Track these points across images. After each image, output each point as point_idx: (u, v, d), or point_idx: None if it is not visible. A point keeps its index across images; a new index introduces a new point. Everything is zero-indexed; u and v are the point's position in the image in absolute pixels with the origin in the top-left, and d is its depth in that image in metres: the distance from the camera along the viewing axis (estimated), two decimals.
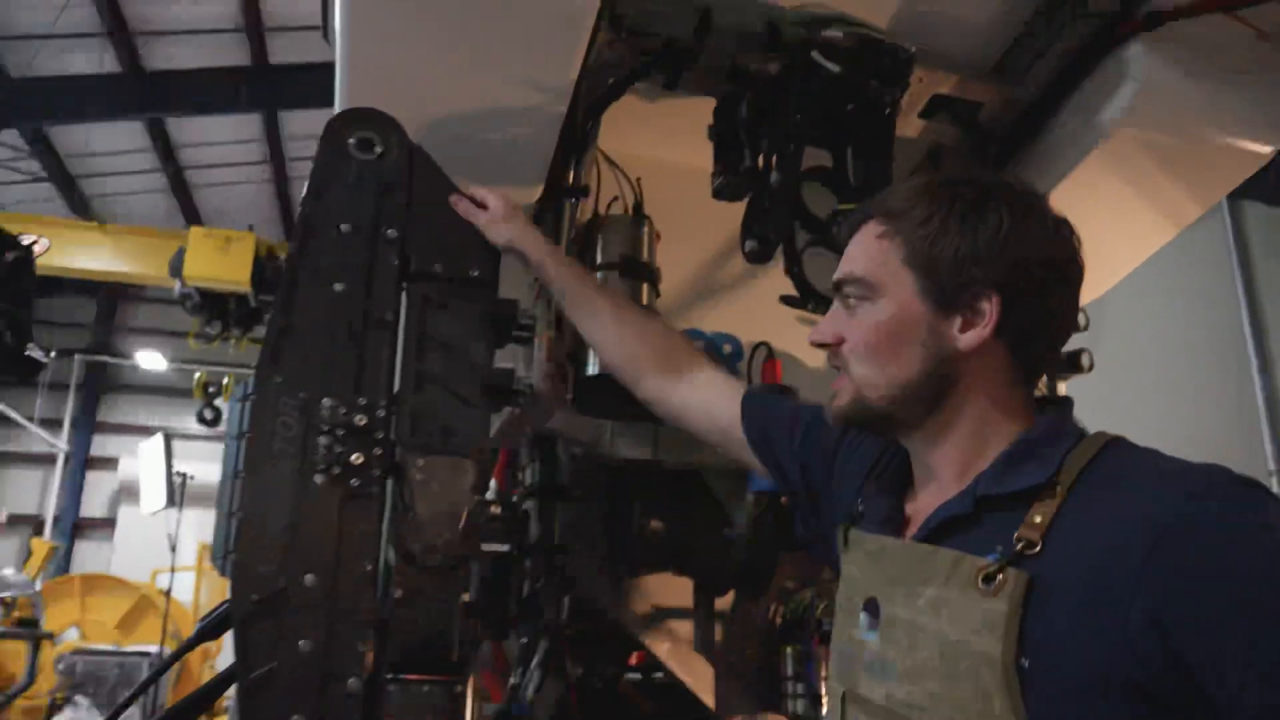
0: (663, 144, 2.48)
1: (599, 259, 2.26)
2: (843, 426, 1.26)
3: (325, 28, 2.32)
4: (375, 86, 1.85)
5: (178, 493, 5.50)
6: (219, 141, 12.17)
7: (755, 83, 2.13)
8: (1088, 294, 2.96)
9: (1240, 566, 0.88)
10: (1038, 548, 0.97)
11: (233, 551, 1.38)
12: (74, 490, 14.76)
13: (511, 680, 2.04)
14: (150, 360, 14.06)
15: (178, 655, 1.63)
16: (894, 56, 2.03)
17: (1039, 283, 1.12)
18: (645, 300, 2.22)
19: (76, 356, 14.77)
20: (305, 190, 1.56)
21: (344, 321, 1.52)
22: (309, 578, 1.39)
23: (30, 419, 13.73)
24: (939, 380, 1.13)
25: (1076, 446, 1.04)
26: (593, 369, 2.21)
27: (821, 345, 1.23)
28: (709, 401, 1.59)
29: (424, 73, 1.84)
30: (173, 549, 5.44)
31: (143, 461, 5.82)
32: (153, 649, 6.97)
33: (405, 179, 1.62)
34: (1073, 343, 2.87)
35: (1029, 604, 0.95)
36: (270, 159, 12.72)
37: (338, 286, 1.52)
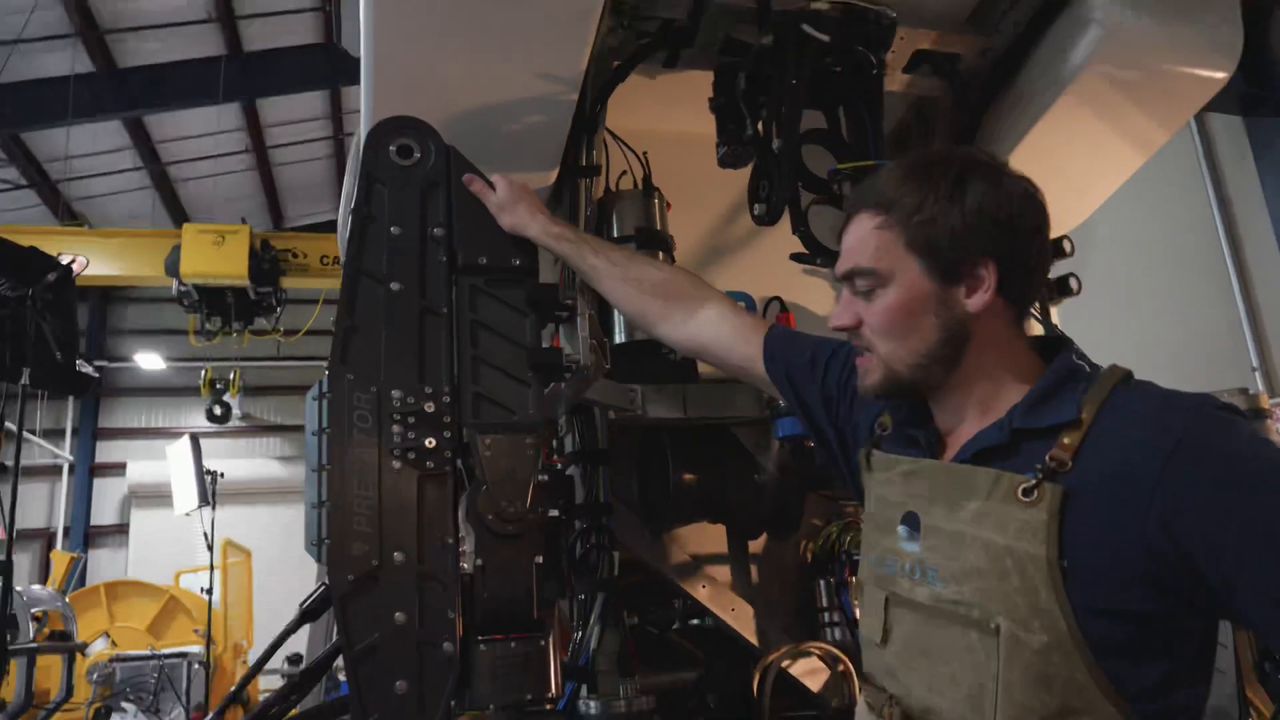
0: (665, 116, 2.58)
1: (615, 233, 2.37)
2: (878, 396, 1.37)
3: (333, 31, 2.39)
4: (400, 87, 1.95)
5: (209, 491, 5.59)
6: (199, 134, 12.06)
7: (750, 55, 2.22)
8: (1072, 222, 3.11)
9: (1230, 478, 1.08)
10: (1069, 467, 1.13)
11: (326, 539, 1.50)
12: (82, 499, 14.76)
13: (575, 636, 2.17)
14: (149, 361, 14.04)
15: (280, 641, 1.75)
16: (878, 23, 2.14)
17: (1023, 238, 1.27)
18: None
19: None
20: (354, 199, 1.66)
21: (403, 317, 1.63)
22: (397, 555, 1.52)
23: (32, 432, 13.73)
24: (955, 342, 1.28)
25: (1094, 385, 1.20)
26: (620, 337, 2.33)
27: (843, 329, 1.36)
28: (723, 341, 1.72)
29: (446, 72, 1.93)
30: (210, 548, 5.55)
31: (171, 463, 5.91)
32: (192, 649, 7.12)
33: (444, 179, 1.72)
34: (1060, 268, 3.03)
35: (1065, 512, 1.11)
36: (252, 147, 12.64)
37: (394, 286, 1.64)
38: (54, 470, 14.70)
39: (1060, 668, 1.10)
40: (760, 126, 2.21)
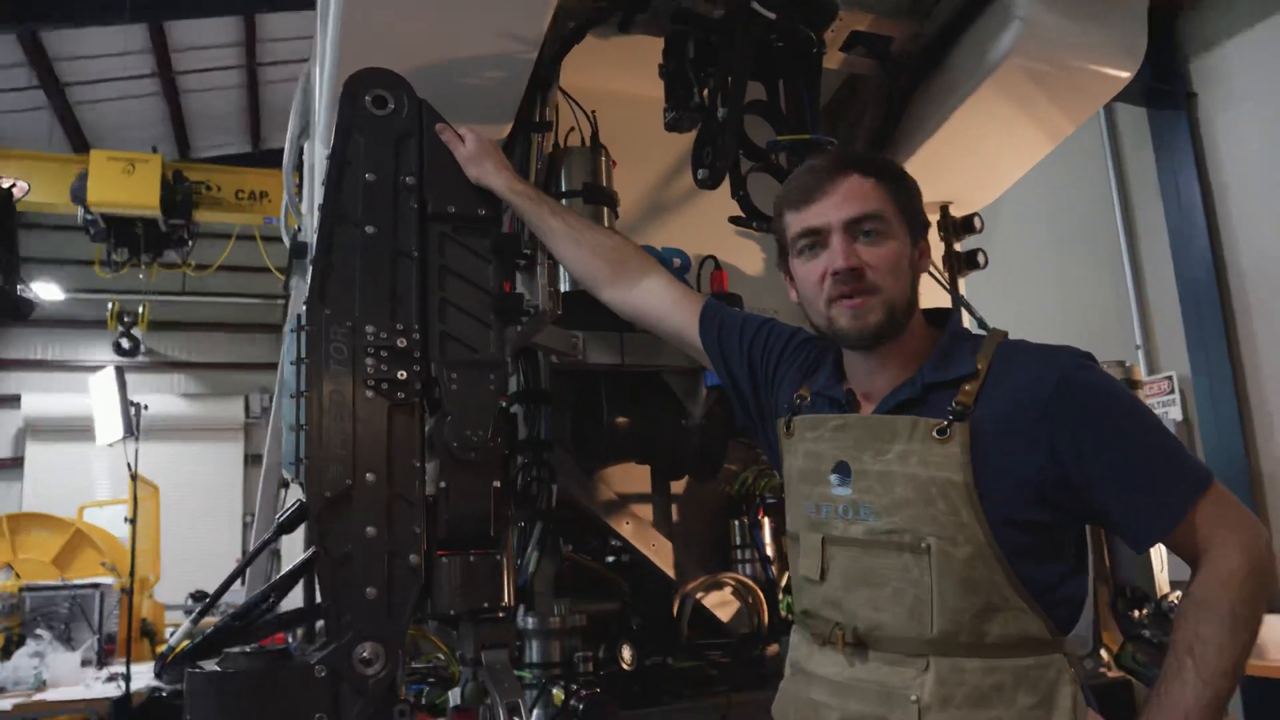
0: (615, 77, 2.73)
1: (564, 187, 2.52)
2: (872, 336, 1.51)
3: None
4: (369, 36, 2.06)
5: (134, 423, 5.57)
6: (102, 54, 11.54)
7: (700, 24, 2.38)
8: (984, 199, 3.39)
9: (1094, 409, 1.40)
10: (972, 410, 1.42)
11: (304, 459, 1.65)
12: None
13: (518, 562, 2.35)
14: (47, 291, 13.53)
15: (258, 552, 1.89)
16: (821, 4, 2.32)
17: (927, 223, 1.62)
18: (606, 223, 2.50)
19: None
20: (331, 145, 1.78)
21: (377, 260, 1.76)
22: (369, 476, 1.67)
23: None
24: (915, 294, 1.55)
25: (982, 343, 1.50)
26: (565, 286, 2.50)
27: (847, 270, 1.49)
28: (662, 309, 1.91)
29: (413, 28, 2.05)
30: (133, 478, 5.54)
31: (94, 394, 5.84)
32: (103, 580, 7.10)
33: (417, 131, 1.85)
34: (970, 243, 3.30)
35: (974, 446, 1.38)
36: (159, 71, 12.17)
37: (369, 229, 1.77)
38: None
39: (982, 572, 1.37)
40: (706, 95, 2.38)
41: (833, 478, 1.52)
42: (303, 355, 1.68)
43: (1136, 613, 2.75)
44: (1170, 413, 6.36)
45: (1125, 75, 2.75)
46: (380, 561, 1.65)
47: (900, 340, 1.54)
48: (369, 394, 1.70)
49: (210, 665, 1.59)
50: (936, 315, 1.61)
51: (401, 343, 1.73)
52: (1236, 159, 6.04)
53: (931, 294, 3.01)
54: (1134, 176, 6.75)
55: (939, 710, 1.36)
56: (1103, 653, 2.75)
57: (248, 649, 1.61)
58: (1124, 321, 6.74)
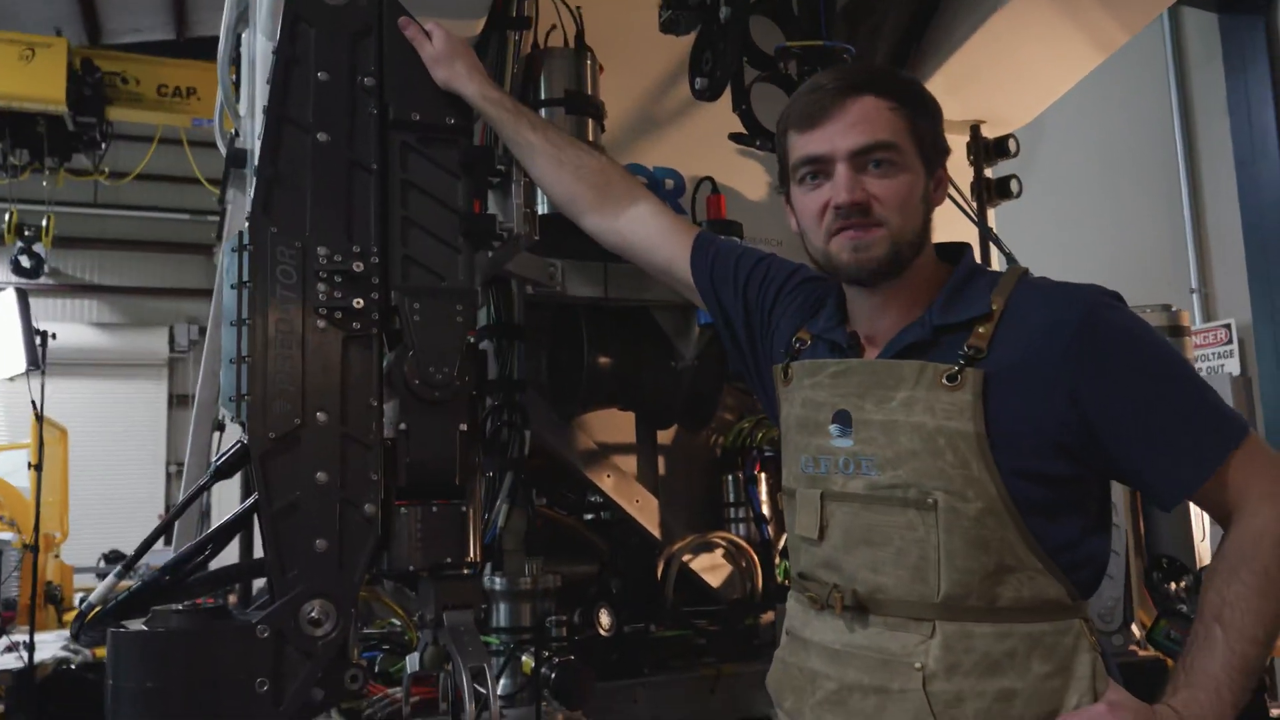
0: None
1: (543, 94, 2.54)
2: (872, 272, 1.56)
3: None
4: None
5: (40, 354, 5.57)
6: None
7: None
8: (1022, 119, 3.44)
9: (1119, 354, 1.44)
10: (985, 354, 1.46)
11: (246, 395, 1.70)
12: None
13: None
14: None
15: (190, 500, 1.96)
16: None
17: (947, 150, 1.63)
18: (591, 136, 2.53)
19: None
20: (278, 37, 1.81)
21: (330, 171, 1.80)
22: (320, 415, 1.73)
23: None
24: (927, 232, 1.59)
25: (1000, 281, 1.54)
26: (542, 209, 2.54)
27: (849, 205, 1.53)
28: (647, 239, 1.96)
29: None
30: (39, 418, 5.58)
31: None
32: (2, 536, 7.18)
33: (377, 26, 1.88)
34: (1001, 169, 3.35)
35: (986, 393, 1.43)
36: None
37: (321, 136, 1.80)
38: None
39: (994, 530, 1.43)
40: None
41: (832, 428, 1.57)
42: (245, 278, 1.73)
43: (1173, 586, 2.86)
44: (1226, 365, 6.48)
45: None
46: (331, 511, 1.72)
47: (907, 279, 1.58)
48: (320, 324, 1.75)
49: (137, 625, 1.65)
50: (950, 250, 1.65)
51: (358, 266, 1.78)
52: None
53: (956, 225, 3.06)
54: (1199, 94, 6.77)
55: (945, 679, 1.42)
56: (1134, 629, 2.87)
57: (178, 607, 1.67)
58: (1179, 262, 6.82)
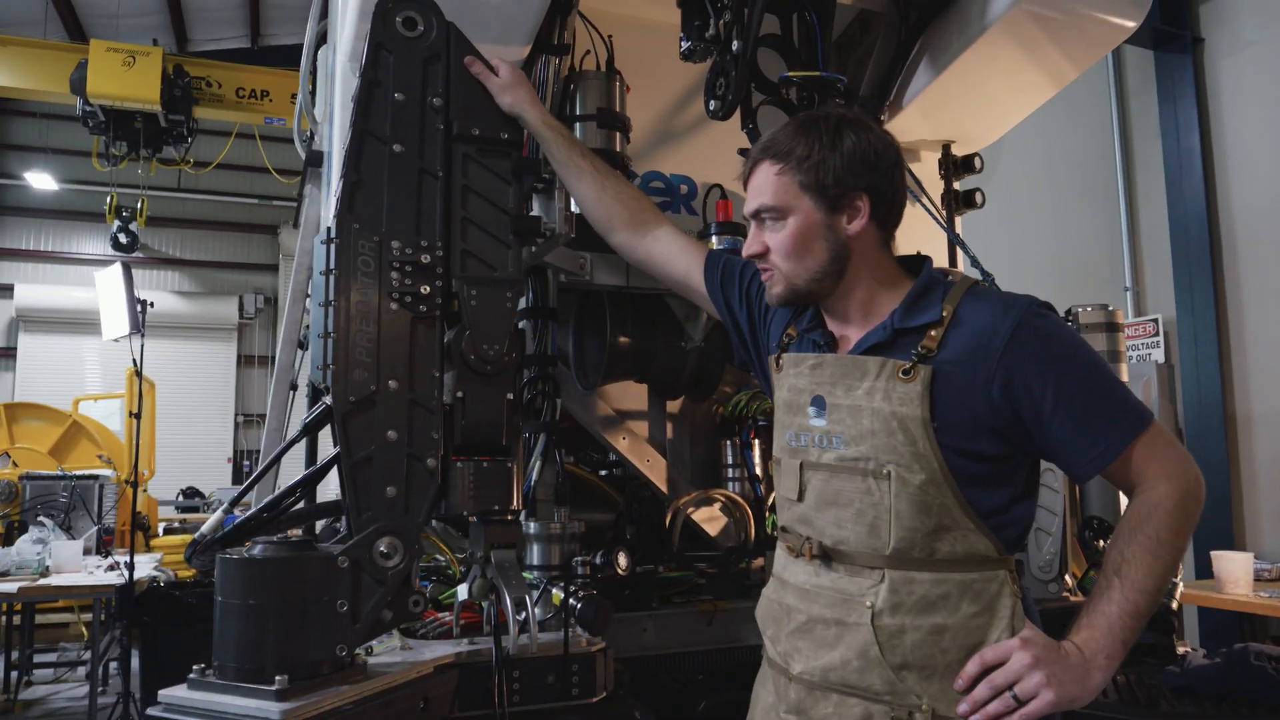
0: (632, 2, 2.76)
1: (578, 110, 2.57)
2: (780, 303, 1.75)
3: None
4: None
5: (140, 319, 5.63)
6: None
7: None
8: (986, 140, 3.45)
9: (1046, 353, 1.52)
10: (935, 353, 1.54)
11: (331, 364, 1.74)
12: None
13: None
14: (40, 181, 13.41)
15: (284, 450, 2.01)
16: None
17: (885, 174, 1.64)
18: (618, 147, 2.56)
19: None
20: (363, 64, 1.84)
21: (403, 177, 1.84)
22: (392, 383, 1.78)
23: None
24: (840, 260, 1.66)
25: (950, 290, 1.61)
26: (575, 209, 2.57)
27: (753, 257, 1.72)
28: (667, 256, 2.08)
29: None
30: (138, 374, 5.63)
31: (101, 289, 5.89)
32: (101, 472, 7.25)
33: (445, 54, 1.91)
34: (969, 182, 3.36)
35: (934, 385, 1.52)
36: None
37: (396, 147, 1.84)
38: None
39: (934, 496, 1.52)
40: (721, 27, 2.43)
41: (810, 410, 1.67)
42: (331, 266, 1.77)
43: (1100, 542, 2.92)
44: (1153, 355, 6.51)
45: (1131, 25, 2.80)
46: (400, 463, 1.76)
47: (853, 293, 1.68)
48: (393, 306, 1.79)
49: (240, 552, 1.70)
50: (914, 262, 1.72)
51: (425, 258, 1.82)
52: (1236, 105, 6.08)
53: (928, 231, 3.09)
54: (1136, 118, 6.78)
55: (889, 615, 1.53)
56: (1068, 579, 2.92)
57: (274, 539, 1.72)
58: (1115, 263, 6.84)
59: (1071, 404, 1.50)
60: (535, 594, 2.17)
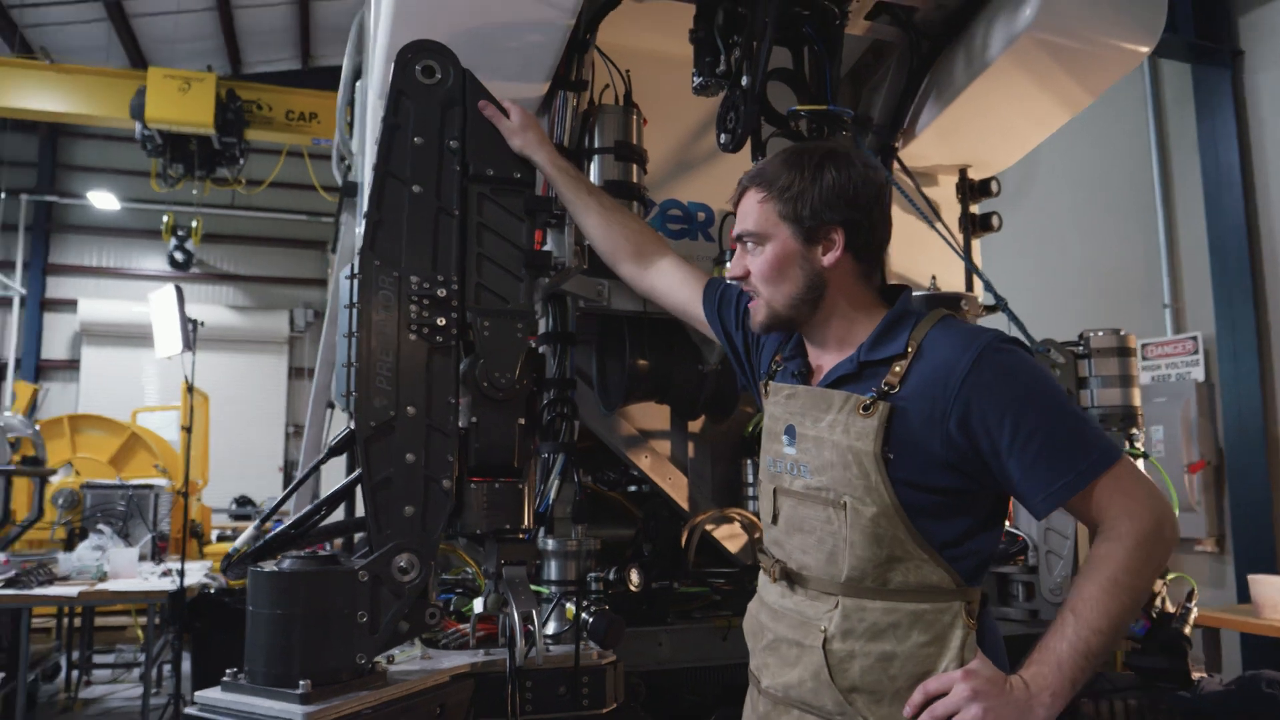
0: (649, 37, 2.87)
1: (597, 143, 2.68)
2: (763, 329, 1.79)
3: None
4: (421, 7, 2.23)
5: (191, 338, 5.90)
6: None
7: None
8: (1001, 165, 3.52)
9: (1004, 389, 1.52)
10: (897, 389, 1.58)
11: (353, 392, 1.87)
12: (33, 333, 14.75)
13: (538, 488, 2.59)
14: (102, 200, 13.90)
15: (312, 470, 2.15)
16: None
17: (863, 209, 1.68)
18: (635, 178, 2.66)
19: (23, 197, 14.51)
20: (384, 110, 1.97)
21: (422, 216, 1.97)
22: (410, 409, 1.90)
23: None
24: (816, 289, 1.70)
25: (919, 323, 1.63)
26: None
27: (736, 279, 1.78)
28: (670, 286, 2.16)
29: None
30: (190, 389, 5.89)
31: (154, 309, 6.17)
32: (156, 482, 7.54)
33: (461, 99, 2.03)
34: (986, 206, 3.42)
35: (892, 421, 1.56)
36: None
37: (416, 188, 1.97)
38: (4, 302, 14.64)
39: (886, 528, 1.55)
40: (732, 62, 2.53)
41: (784, 438, 1.73)
42: (354, 300, 1.90)
43: None
44: (1193, 373, 6.45)
45: (1144, 50, 2.84)
46: (418, 484, 1.89)
47: (829, 323, 1.73)
48: (412, 337, 1.92)
49: (269, 565, 1.83)
50: (893, 293, 1.77)
51: (441, 292, 1.94)
52: (1277, 118, 6.01)
53: (947, 256, 3.15)
54: (1174, 133, 6.72)
55: (840, 640, 1.58)
56: None
57: (301, 553, 1.85)
58: (1154, 280, 6.78)
59: (1030, 440, 1.49)
60: (549, 608, 2.28)
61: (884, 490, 1.55)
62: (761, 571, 1.83)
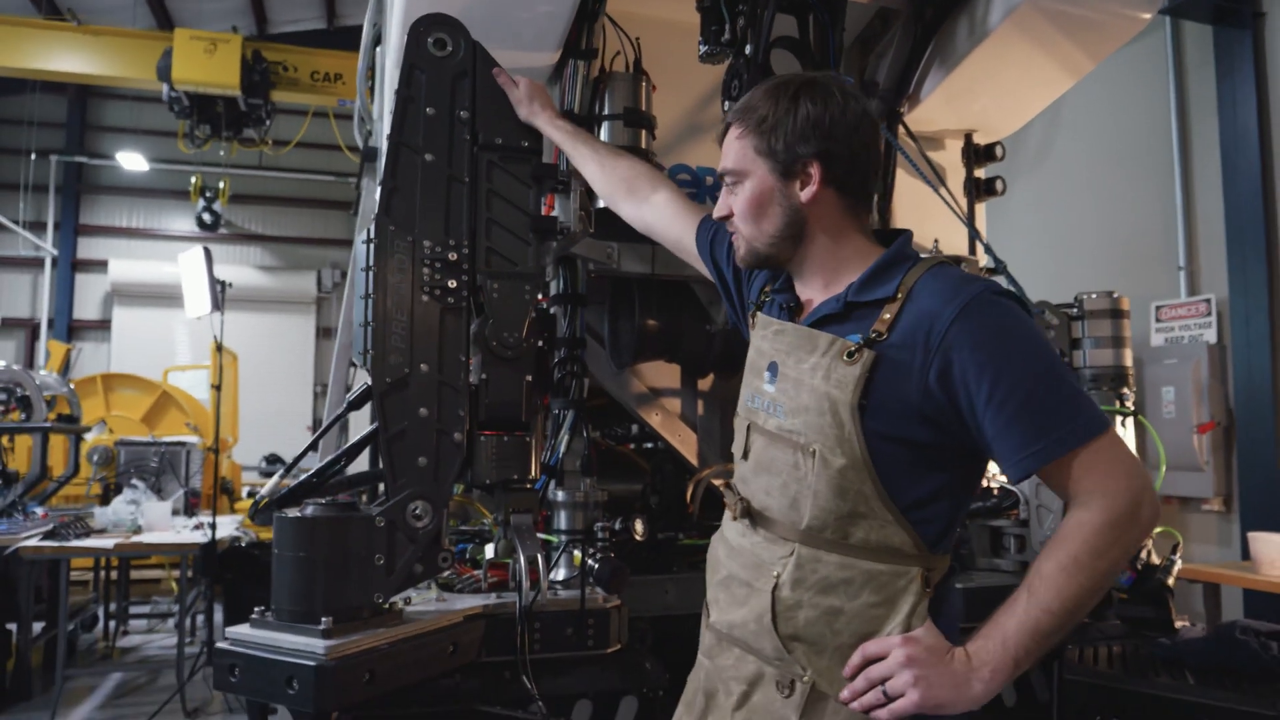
0: (656, 4, 2.92)
1: (606, 110, 2.74)
2: (746, 265, 1.75)
3: None
4: None
5: (219, 299, 6.06)
6: None
7: None
8: (1005, 130, 3.56)
9: (986, 341, 1.44)
10: (885, 337, 1.50)
11: (370, 350, 1.98)
12: (65, 293, 15.00)
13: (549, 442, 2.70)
14: (131, 161, 14.07)
15: (331, 424, 2.27)
16: None
17: (841, 141, 1.59)
18: (644, 145, 2.73)
19: (53, 158, 14.71)
20: (398, 82, 2.06)
21: (434, 183, 2.06)
22: (423, 366, 2.01)
23: (15, 222, 13.88)
24: (796, 225, 1.64)
25: (914, 268, 1.56)
26: (601, 204, 2.76)
27: (720, 219, 1.74)
28: (666, 221, 2.14)
29: None
30: (219, 349, 6.06)
31: (183, 270, 6.32)
32: (188, 439, 7.76)
33: (471, 71, 2.12)
34: (991, 170, 3.46)
35: (876, 369, 1.49)
36: None
37: (428, 156, 2.06)
38: (36, 263, 14.89)
39: (853, 481, 1.51)
40: (737, 30, 2.59)
41: (766, 374, 1.67)
42: (370, 264, 2.00)
43: None
44: (1205, 335, 6.45)
45: (1145, 16, 2.87)
46: (430, 436, 2.01)
47: (813, 260, 1.67)
48: (424, 298, 2.02)
49: (293, 512, 1.96)
50: (891, 235, 1.70)
51: (453, 256, 2.05)
52: None
53: (949, 219, 3.21)
54: (1193, 95, 6.66)
55: (790, 589, 1.55)
56: None
57: (323, 501, 1.98)
58: (1169, 242, 6.77)
59: (1008, 399, 1.41)
60: (557, 555, 2.40)
61: (856, 443, 1.49)
62: (726, 508, 1.80)
